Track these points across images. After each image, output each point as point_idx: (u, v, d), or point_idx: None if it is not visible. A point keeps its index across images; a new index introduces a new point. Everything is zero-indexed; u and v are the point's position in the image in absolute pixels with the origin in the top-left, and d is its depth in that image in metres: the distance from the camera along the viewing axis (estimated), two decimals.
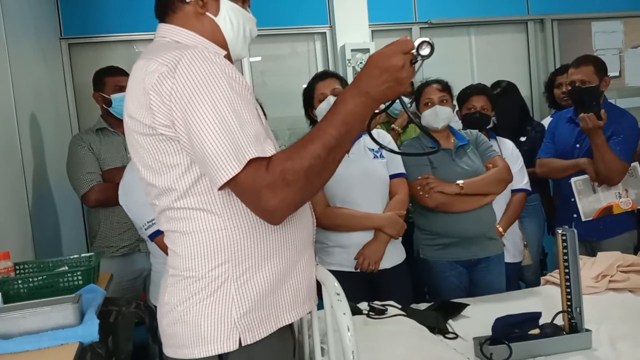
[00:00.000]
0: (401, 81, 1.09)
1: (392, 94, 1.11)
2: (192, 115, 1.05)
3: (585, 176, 2.74)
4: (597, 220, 2.73)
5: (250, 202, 1.08)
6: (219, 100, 1.05)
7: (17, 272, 1.76)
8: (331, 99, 2.26)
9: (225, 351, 1.14)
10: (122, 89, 2.60)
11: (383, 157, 2.38)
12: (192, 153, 1.09)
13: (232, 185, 1.07)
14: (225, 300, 1.14)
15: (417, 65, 1.10)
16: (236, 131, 1.04)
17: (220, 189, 1.08)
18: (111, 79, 2.67)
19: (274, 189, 1.04)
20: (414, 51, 1.07)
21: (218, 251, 1.14)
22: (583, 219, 2.72)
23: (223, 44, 1.25)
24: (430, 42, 1.07)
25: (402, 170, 2.40)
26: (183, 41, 1.21)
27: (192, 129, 1.05)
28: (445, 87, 2.53)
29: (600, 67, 2.70)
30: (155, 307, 2.15)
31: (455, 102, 2.59)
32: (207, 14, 1.23)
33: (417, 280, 2.60)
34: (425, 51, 1.07)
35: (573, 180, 2.75)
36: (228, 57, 1.26)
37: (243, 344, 1.14)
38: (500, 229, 2.70)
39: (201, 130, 1.04)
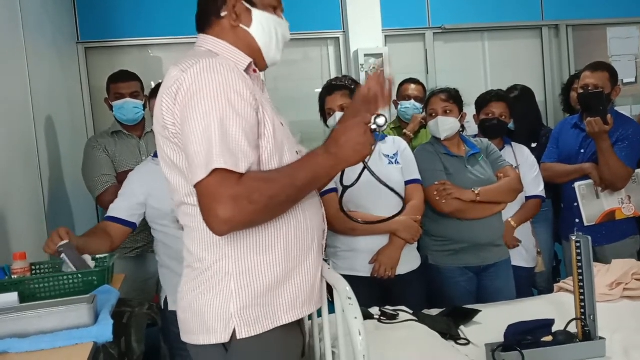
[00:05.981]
0: (365, 146, 1.23)
1: (358, 155, 1.24)
2: (186, 118, 1.15)
3: (589, 181, 2.73)
4: (599, 225, 2.72)
5: (206, 207, 1.13)
6: (210, 109, 1.14)
7: (33, 272, 1.78)
8: (337, 116, 2.25)
9: (223, 341, 1.21)
10: (121, 96, 2.67)
11: (398, 162, 2.36)
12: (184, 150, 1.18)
13: (198, 187, 1.14)
14: (226, 293, 1.21)
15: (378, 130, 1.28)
16: (214, 142, 1.12)
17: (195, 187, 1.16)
18: (113, 86, 2.73)
19: (237, 201, 1.11)
20: (372, 122, 1.25)
21: (220, 246, 1.21)
22: (586, 224, 2.71)
23: (257, 52, 1.34)
24: (384, 115, 1.29)
25: (418, 177, 2.37)
26: (213, 49, 1.30)
27: (184, 130, 1.16)
28: (450, 96, 2.49)
29: (613, 75, 2.72)
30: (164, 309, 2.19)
31: (466, 109, 2.56)
32: (241, 25, 1.32)
33: (428, 286, 2.59)
34: (380, 120, 1.25)
35: (577, 184, 2.75)
36: (262, 63, 1.36)
37: (238, 337, 1.20)
38: (513, 223, 2.67)
39: (189, 133, 1.14)
